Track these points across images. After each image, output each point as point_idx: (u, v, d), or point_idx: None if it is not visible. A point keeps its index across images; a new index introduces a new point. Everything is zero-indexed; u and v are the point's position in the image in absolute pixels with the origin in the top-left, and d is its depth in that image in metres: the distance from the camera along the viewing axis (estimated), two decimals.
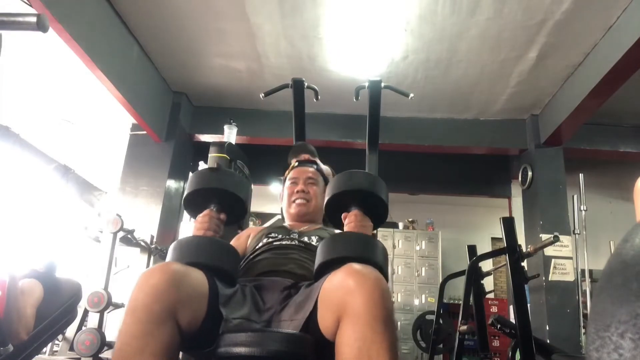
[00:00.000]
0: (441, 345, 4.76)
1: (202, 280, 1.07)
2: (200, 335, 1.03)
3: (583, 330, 3.68)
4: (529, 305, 3.22)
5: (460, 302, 2.85)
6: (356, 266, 0.98)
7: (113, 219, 3.30)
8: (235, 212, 1.41)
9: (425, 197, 6.68)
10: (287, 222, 1.74)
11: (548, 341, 3.80)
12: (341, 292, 0.94)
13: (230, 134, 3.40)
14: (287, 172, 2.09)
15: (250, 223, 7.38)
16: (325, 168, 1.93)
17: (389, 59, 3.97)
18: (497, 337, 5.59)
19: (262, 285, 1.29)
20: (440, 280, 4.89)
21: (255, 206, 6.90)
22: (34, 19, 0.89)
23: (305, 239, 1.50)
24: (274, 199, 2.77)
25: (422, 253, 6.51)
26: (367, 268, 0.98)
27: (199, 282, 1.06)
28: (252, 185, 2.93)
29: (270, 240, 1.49)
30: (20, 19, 0.90)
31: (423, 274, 6.39)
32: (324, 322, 1.00)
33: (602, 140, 4.73)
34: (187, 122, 4.98)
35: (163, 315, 0.95)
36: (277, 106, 4.62)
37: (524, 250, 2.47)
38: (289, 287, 1.25)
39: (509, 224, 2.47)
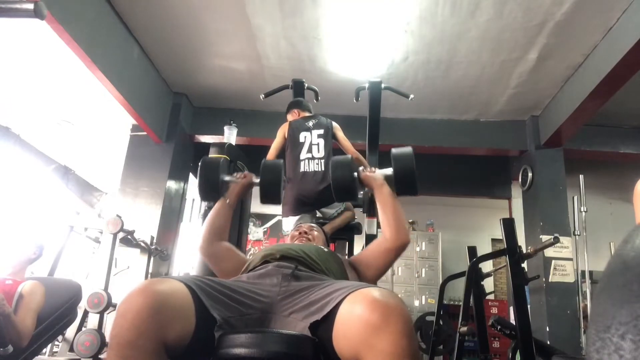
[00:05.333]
0: (441, 347, 4.76)
1: (185, 292, 1.04)
2: (193, 346, 1.02)
3: (583, 331, 3.68)
4: (529, 306, 3.23)
5: (461, 303, 2.85)
6: (377, 295, 0.94)
7: (113, 220, 3.30)
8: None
9: (425, 198, 6.67)
10: None
11: (548, 342, 3.80)
12: (364, 328, 0.90)
13: (230, 135, 3.40)
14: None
15: (250, 224, 7.39)
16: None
17: (389, 60, 3.97)
18: (497, 339, 5.58)
19: (257, 275, 1.29)
20: (441, 282, 4.89)
21: (255, 207, 6.90)
22: (31, 6, 0.89)
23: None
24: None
25: (422, 254, 6.50)
26: (389, 297, 0.94)
27: (182, 295, 1.02)
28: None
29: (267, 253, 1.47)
30: (17, 5, 0.89)
31: (423, 275, 6.38)
32: (340, 346, 0.98)
33: (603, 141, 4.73)
34: (188, 122, 4.98)
35: (150, 347, 0.92)
36: (277, 107, 4.62)
37: (524, 251, 2.48)
38: (288, 275, 1.25)
39: (509, 225, 2.47)
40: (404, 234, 1.59)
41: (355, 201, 1.76)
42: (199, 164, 1.73)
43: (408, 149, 1.68)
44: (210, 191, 1.73)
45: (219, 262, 1.63)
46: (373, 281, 1.62)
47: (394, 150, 1.70)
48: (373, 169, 1.79)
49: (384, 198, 1.66)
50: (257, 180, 1.78)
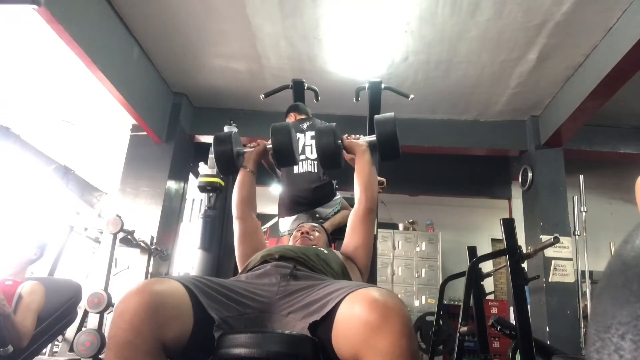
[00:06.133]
0: (441, 347, 4.76)
1: (183, 292, 1.04)
2: (191, 346, 1.02)
3: (583, 332, 3.68)
4: (529, 306, 3.22)
5: (461, 303, 2.85)
6: (376, 295, 0.94)
7: (113, 220, 3.30)
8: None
9: (425, 198, 6.68)
10: None
11: (548, 342, 3.80)
12: (363, 328, 0.90)
13: None
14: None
15: None
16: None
17: (389, 60, 3.97)
18: (497, 339, 5.58)
19: (255, 275, 1.30)
20: (441, 282, 4.88)
21: None
22: None
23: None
24: (274, 200, 2.77)
25: (422, 254, 6.51)
26: (389, 297, 0.94)
27: (180, 295, 1.02)
28: None
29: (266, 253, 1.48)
30: None
31: (423, 275, 6.38)
32: (339, 346, 0.98)
33: (602, 141, 4.73)
34: (188, 123, 4.98)
35: (148, 346, 0.92)
36: (277, 107, 4.62)
37: (524, 251, 2.47)
38: (287, 275, 1.24)
39: (509, 225, 2.47)
40: (371, 200, 1.67)
41: (339, 168, 1.77)
42: (212, 140, 1.77)
43: (390, 115, 1.72)
44: (227, 164, 1.77)
45: (245, 238, 1.68)
46: (367, 261, 1.63)
47: (376, 117, 1.73)
48: (357, 135, 1.83)
49: (363, 164, 1.72)
50: (270, 145, 1.82)
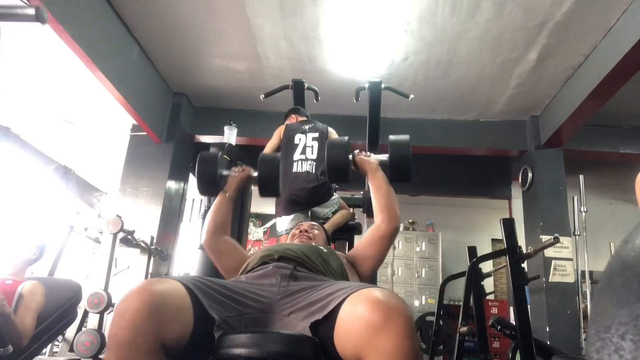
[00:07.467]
0: (441, 347, 4.76)
1: (183, 292, 1.04)
2: (192, 346, 1.02)
3: (583, 332, 3.68)
4: (529, 306, 3.23)
5: (461, 303, 2.85)
6: (379, 295, 0.94)
7: (113, 220, 3.30)
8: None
9: (425, 198, 6.67)
10: None
11: (548, 342, 3.80)
12: (365, 328, 0.90)
13: (230, 135, 3.40)
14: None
15: (250, 224, 7.38)
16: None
17: (389, 60, 3.97)
18: (497, 339, 5.58)
19: (256, 275, 1.30)
20: (441, 282, 4.88)
21: (255, 207, 6.90)
22: (32, 11, 0.90)
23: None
24: (274, 200, 2.76)
25: (422, 254, 6.51)
26: (391, 298, 0.94)
27: (180, 295, 1.02)
28: (252, 187, 2.92)
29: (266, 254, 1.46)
30: (19, 10, 0.91)
31: (423, 275, 6.38)
32: (341, 346, 0.98)
33: (602, 141, 4.73)
34: (188, 123, 4.98)
35: (148, 346, 0.92)
36: (277, 107, 4.62)
37: (524, 251, 2.47)
38: (287, 275, 1.24)
39: (509, 225, 2.47)
40: (396, 218, 1.63)
41: (346, 183, 1.76)
42: (197, 159, 1.73)
43: (405, 137, 1.69)
44: (209, 185, 1.73)
45: (221, 257, 1.64)
46: (371, 272, 1.62)
47: (391, 137, 1.71)
48: (368, 153, 1.80)
49: (377, 182, 1.68)
50: (255, 174, 1.79)
